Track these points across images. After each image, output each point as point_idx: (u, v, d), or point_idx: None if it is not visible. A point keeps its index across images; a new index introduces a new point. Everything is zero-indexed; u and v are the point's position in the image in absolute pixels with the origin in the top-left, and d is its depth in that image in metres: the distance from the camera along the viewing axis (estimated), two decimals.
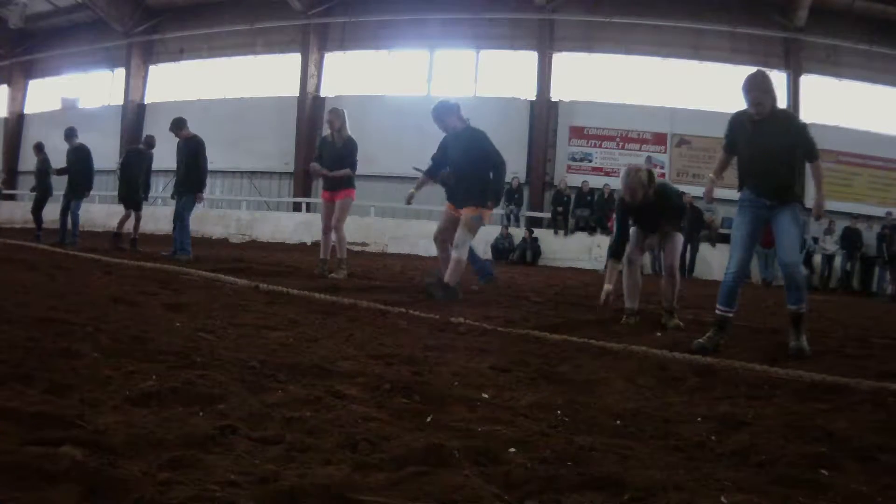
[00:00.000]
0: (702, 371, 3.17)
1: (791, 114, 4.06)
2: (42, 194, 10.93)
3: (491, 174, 5.73)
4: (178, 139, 8.65)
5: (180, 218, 8.40)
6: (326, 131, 7.40)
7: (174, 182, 9.71)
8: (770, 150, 3.90)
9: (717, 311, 4.05)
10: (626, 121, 16.83)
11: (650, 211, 4.73)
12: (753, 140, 3.95)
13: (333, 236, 7.11)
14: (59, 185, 10.77)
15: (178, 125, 8.56)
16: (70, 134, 10.20)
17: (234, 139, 19.46)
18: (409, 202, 6.27)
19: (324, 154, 7.13)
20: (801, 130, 3.95)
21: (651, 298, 5.76)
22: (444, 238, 5.95)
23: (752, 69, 4.10)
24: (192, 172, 8.42)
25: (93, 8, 19.92)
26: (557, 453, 1.80)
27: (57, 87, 22.95)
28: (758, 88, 3.86)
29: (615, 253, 4.79)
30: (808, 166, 4.00)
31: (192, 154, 8.40)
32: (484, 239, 15.94)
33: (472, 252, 6.55)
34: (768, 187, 3.96)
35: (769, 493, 1.62)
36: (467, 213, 5.71)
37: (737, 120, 4.08)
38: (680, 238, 5.03)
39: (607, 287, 4.71)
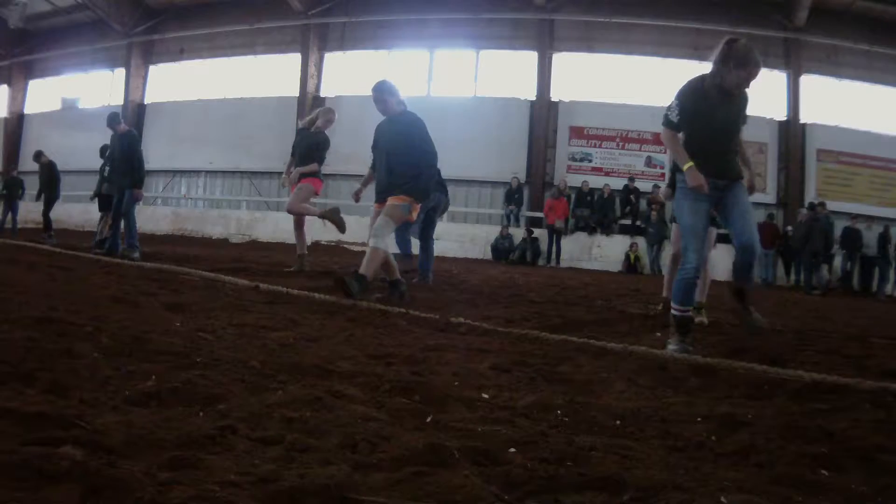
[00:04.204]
0: (702, 371, 3.16)
1: None
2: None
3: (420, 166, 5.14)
4: (115, 133, 8.45)
5: (125, 215, 8.15)
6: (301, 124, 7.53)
7: (104, 177, 9.55)
8: (732, 127, 3.52)
9: (674, 312, 3.64)
10: (626, 121, 16.84)
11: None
12: (719, 115, 3.45)
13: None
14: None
15: (113, 120, 8.43)
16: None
17: (234, 139, 19.49)
18: (357, 199, 6.06)
19: (296, 144, 7.27)
20: (747, 100, 3.53)
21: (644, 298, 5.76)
22: None
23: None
24: (127, 167, 8.21)
25: (93, 8, 19.94)
26: (557, 453, 1.79)
27: (57, 87, 22.97)
28: (754, 62, 3.37)
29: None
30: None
31: (125, 148, 8.23)
32: (485, 239, 15.96)
33: (407, 245, 6.70)
34: (725, 167, 3.56)
35: (769, 493, 1.62)
36: (392, 201, 5.11)
37: (697, 89, 3.49)
38: (713, 231, 5.08)
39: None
